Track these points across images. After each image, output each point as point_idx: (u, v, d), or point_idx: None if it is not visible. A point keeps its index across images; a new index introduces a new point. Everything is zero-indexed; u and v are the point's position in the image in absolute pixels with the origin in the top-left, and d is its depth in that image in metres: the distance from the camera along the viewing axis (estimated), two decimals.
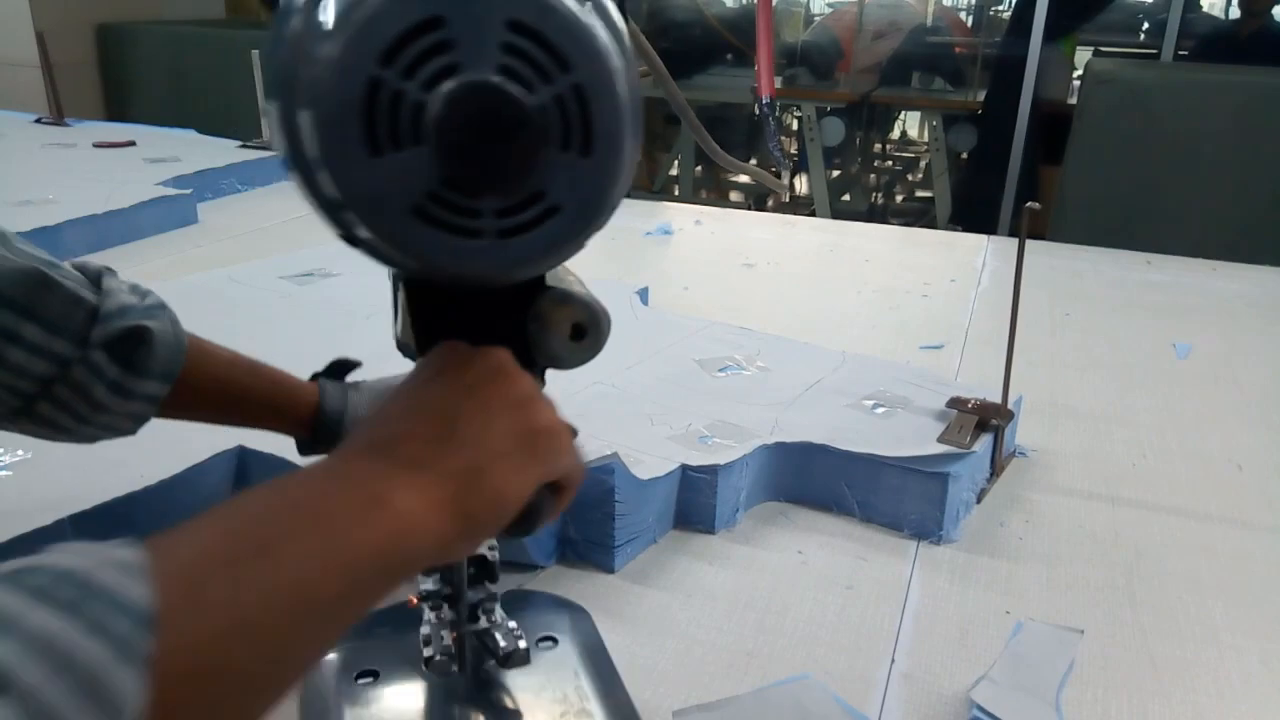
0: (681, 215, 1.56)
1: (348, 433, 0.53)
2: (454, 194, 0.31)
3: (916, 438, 0.71)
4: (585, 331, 0.39)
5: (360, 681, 0.50)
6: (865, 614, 0.60)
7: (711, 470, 0.67)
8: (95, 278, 0.48)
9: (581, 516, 0.63)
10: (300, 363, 0.58)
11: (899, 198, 4.23)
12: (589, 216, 0.34)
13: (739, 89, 3.61)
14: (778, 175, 0.83)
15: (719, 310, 1.06)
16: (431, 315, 0.38)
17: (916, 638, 0.58)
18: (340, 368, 0.58)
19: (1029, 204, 0.70)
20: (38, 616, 0.22)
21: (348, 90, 0.29)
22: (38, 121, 1.91)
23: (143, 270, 1.21)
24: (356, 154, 0.30)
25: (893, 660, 0.56)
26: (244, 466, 0.68)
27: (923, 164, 4.27)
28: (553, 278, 0.40)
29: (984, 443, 0.73)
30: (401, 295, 0.39)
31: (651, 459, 0.67)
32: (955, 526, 0.69)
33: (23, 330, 0.45)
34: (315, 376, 0.57)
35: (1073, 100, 3.02)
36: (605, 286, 1.09)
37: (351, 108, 0.29)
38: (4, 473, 0.65)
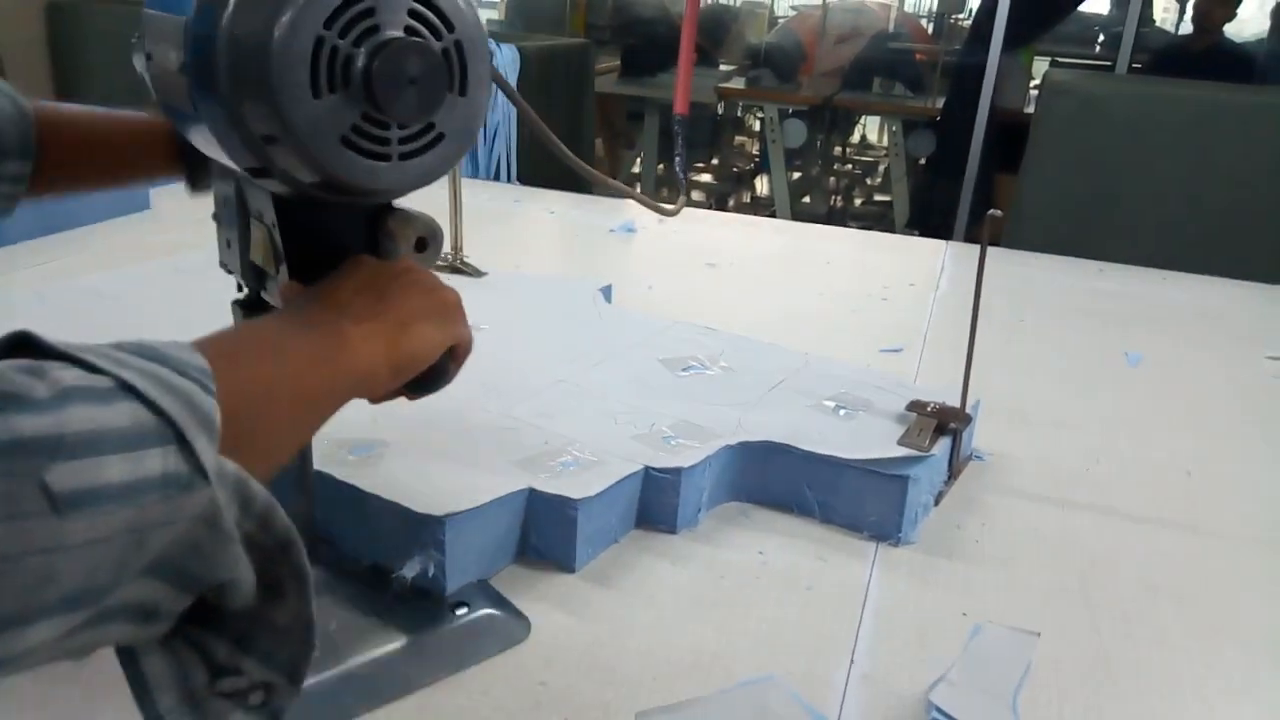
0: (645, 213, 1.55)
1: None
2: (372, 126, 0.41)
3: (877, 440, 0.72)
4: (427, 244, 0.47)
5: None
6: (825, 615, 0.60)
7: (675, 472, 0.67)
8: None
9: (543, 525, 0.63)
10: None
11: (858, 201, 4.28)
12: (464, 142, 0.45)
13: (703, 89, 3.61)
14: (679, 191, 0.87)
15: (682, 310, 1.06)
16: (302, 236, 0.46)
17: (875, 639, 0.58)
18: None
19: (992, 211, 0.71)
20: (137, 362, 0.29)
21: (300, 45, 0.38)
22: None
23: (93, 257, 1.18)
24: (302, 96, 0.39)
25: (852, 661, 0.56)
26: None
27: (881, 168, 4.32)
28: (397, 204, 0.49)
29: (942, 446, 0.74)
30: (262, 224, 0.47)
31: (615, 460, 0.67)
32: (913, 529, 0.69)
33: None
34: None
35: (1029, 109, 3.07)
36: (568, 283, 1.09)
37: (302, 59, 0.38)
38: None
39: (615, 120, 4.03)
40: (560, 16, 3.85)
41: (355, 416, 0.70)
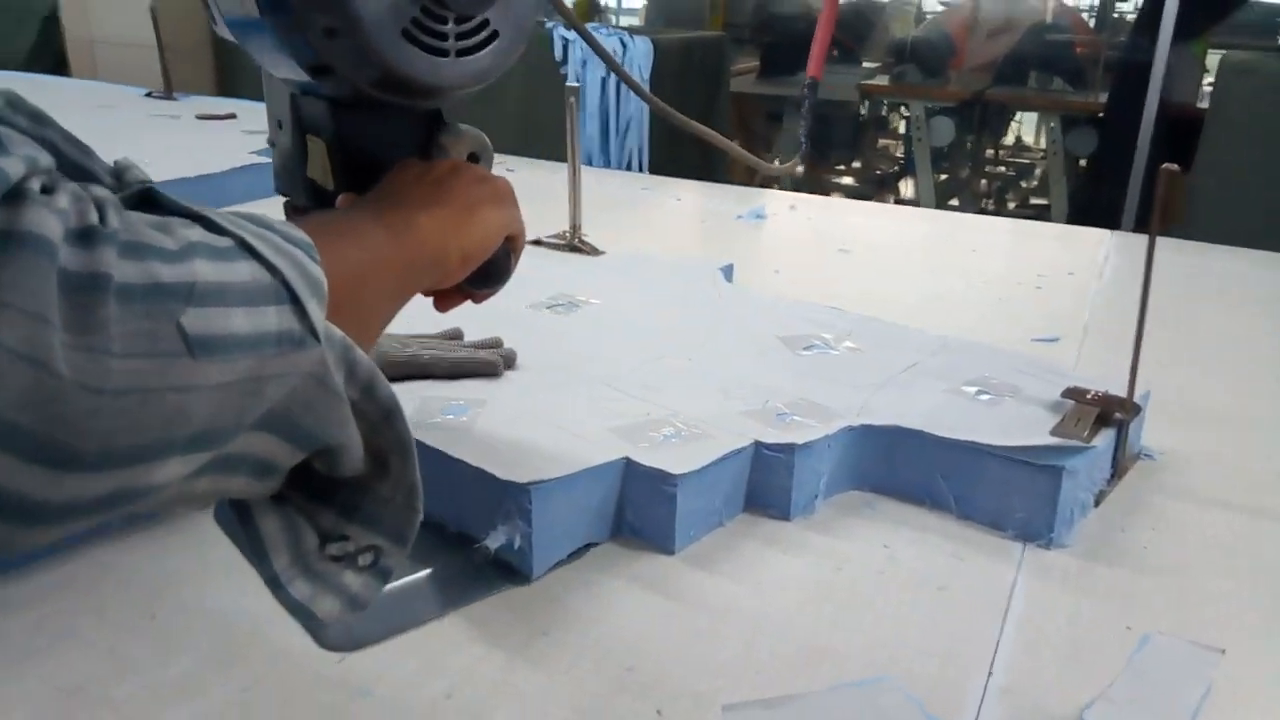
0: (775, 201, 1.49)
1: None
2: (430, 20, 0.41)
3: (1026, 428, 0.63)
4: (479, 159, 0.47)
5: None
6: (960, 619, 0.52)
7: (789, 449, 0.60)
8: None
9: (640, 501, 0.57)
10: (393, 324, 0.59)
11: (1011, 205, 4.04)
12: (517, 40, 0.45)
13: (844, 86, 3.50)
14: (800, 159, 0.83)
15: (809, 293, 0.99)
16: (359, 149, 0.46)
17: (1019, 649, 0.50)
18: None
19: (1167, 165, 0.62)
20: (250, 227, 0.31)
21: None
22: (148, 95, 1.96)
23: None
24: None
25: (990, 672, 0.48)
26: None
27: (1038, 171, 4.07)
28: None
29: (1105, 438, 0.64)
30: (320, 139, 0.47)
31: (723, 435, 0.61)
32: (1068, 530, 0.60)
33: None
34: None
35: (1203, 105, 2.82)
36: (686, 262, 1.03)
37: None
38: None
39: (753, 123, 3.96)
40: (700, 16, 3.81)
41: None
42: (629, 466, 0.57)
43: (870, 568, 0.57)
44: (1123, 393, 0.67)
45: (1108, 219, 2.75)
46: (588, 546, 0.57)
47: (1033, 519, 0.60)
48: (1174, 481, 0.68)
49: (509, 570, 0.54)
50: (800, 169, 0.82)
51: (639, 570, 0.55)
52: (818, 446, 0.61)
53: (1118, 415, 0.66)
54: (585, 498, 0.56)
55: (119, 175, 0.39)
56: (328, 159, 0.47)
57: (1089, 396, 0.67)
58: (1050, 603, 0.54)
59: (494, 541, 0.53)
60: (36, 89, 2.07)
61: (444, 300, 0.50)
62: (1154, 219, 0.62)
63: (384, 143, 0.47)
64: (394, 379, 0.66)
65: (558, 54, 2.16)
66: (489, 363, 0.68)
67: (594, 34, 0.55)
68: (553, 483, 0.53)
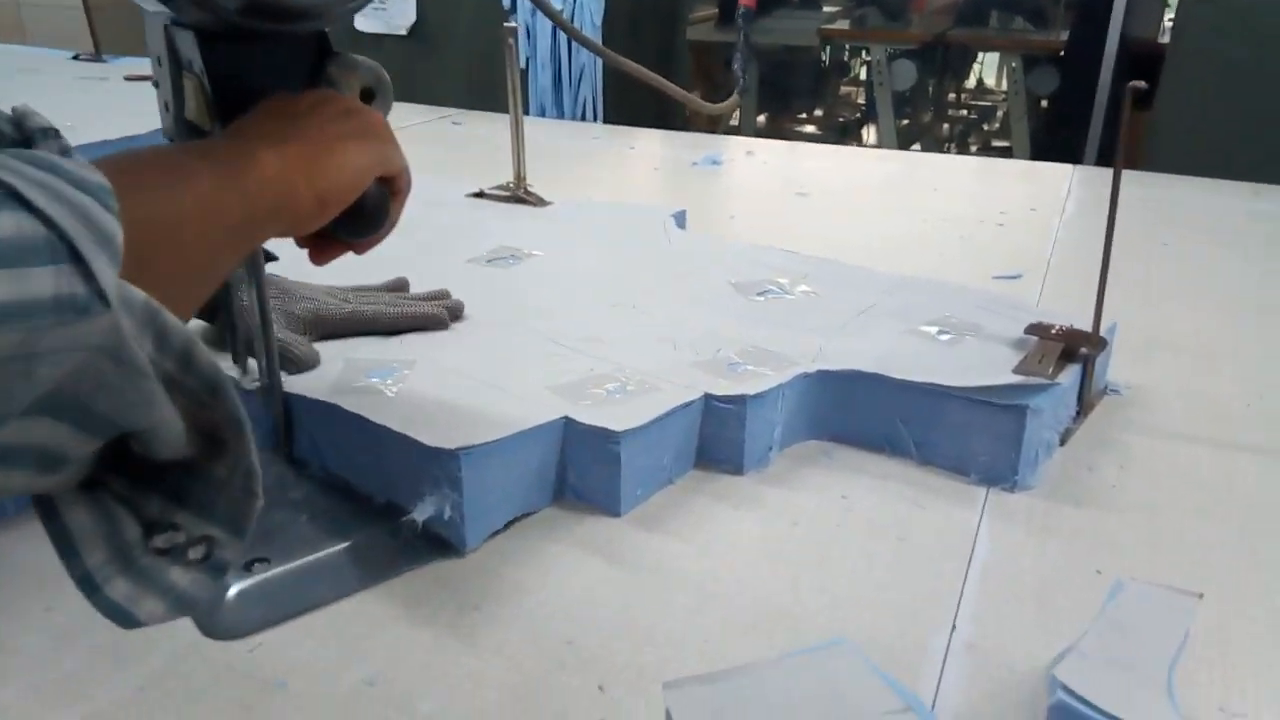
0: (732, 147, 1.44)
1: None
2: None
3: (988, 367, 0.60)
4: (374, 94, 0.43)
5: None
6: (921, 570, 0.49)
7: (740, 400, 0.57)
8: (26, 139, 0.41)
9: (582, 462, 0.54)
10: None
11: (974, 147, 4.01)
12: None
13: (804, 32, 3.43)
14: (739, 94, 0.79)
15: (766, 239, 0.95)
16: (235, 84, 0.42)
17: (984, 600, 0.47)
18: None
19: (1133, 82, 0.58)
20: (26, 169, 0.25)
21: None
22: (75, 58, 1.87)
23: None
24: None
25: (954, 626, 0.45)
26: None
27: (999, 113, 4.03)
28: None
29: (1070, 375, 0.61)
30: (193, 74, 0.42)
31: (670, 387, 0.57)
32: (1033, 471, 0.58)
33: None
34: None
35: (1164, 40, 2.79)
36: (636, 209, 0.99)
37: None
38: None
39: (713, 72, 3.88)
40: None
41: (380, 338, 0.63)
42: (569, 426, 0.53)
43: (828, 521, 0.54)
44: (1088, 327, 0.64)
45: (1069, 158, 2.72)
46: (528, 514, 0.53)
47: (996, 461, 0.57)
48: (1142, 417, 0.65)
49: (440, 543, 0.50)
50: (738, 103, 0.78)
51: (582, 535, 0.52)
52: (771, 396, 0.58)
53: (1083, 350, 0.63)
54: (522, 462, 0.52)
55: (19, 123, 0.34)
56: (202, 97, 0.42)
57: (1053, 332, 0.64)
58: (1016, 548, 0.51)
59: (422, 513, 0.49)
60: None
61: (319, 251, 0.45)
62: (1120, 140, 0.59)
63: (260, 76, 0.42)
64: (333, 336, 0.62)
65: (506, 2, 2.08)
66: (434, 316, 0.64)
67: None
68: (485, 447, 0.49)
